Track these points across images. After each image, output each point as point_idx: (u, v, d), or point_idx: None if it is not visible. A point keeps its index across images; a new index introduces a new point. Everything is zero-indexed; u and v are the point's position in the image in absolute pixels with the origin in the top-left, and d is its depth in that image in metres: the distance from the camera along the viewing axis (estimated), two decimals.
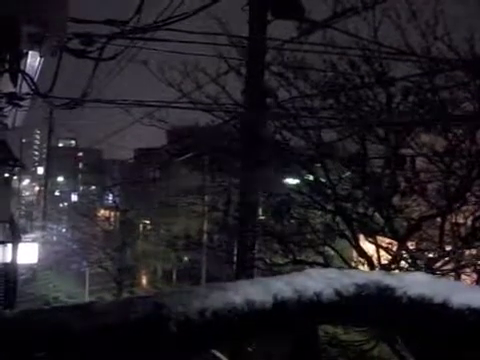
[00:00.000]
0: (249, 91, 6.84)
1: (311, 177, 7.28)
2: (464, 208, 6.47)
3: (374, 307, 0.98)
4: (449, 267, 6.08)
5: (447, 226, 6.39)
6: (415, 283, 0.97)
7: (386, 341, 6.18)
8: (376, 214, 6.69)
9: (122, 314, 0.78)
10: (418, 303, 0.91)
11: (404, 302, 0.93)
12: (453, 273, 5.93)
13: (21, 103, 5.68)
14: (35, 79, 5.31)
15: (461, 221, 6.53)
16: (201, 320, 0.80)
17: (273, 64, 6.91)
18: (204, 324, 0.81)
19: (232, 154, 7.92)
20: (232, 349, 6.98)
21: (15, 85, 4.46)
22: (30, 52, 4.67)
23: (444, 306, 0.87)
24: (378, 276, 1.04)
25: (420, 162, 6.50)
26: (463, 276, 6.08)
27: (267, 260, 7.44)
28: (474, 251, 6.57)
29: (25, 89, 5.61)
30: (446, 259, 6.11)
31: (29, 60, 4.85)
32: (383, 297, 0.97)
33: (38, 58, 4.94)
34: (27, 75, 4.65)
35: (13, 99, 5.12)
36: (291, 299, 0.90)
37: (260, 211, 7.66)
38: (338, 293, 0.96)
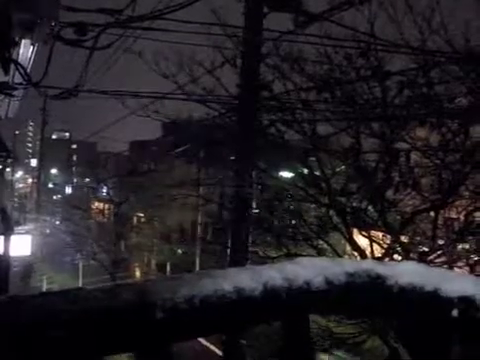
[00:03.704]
0: (244, 84, 6.81)
1: (305, 170, 7.28)
2: (457, 203, 6.49)
3: (365, 296, 0.97)
4: (442, 260, 6.11)
5: (440, 220, 6.42)
6: (406, 272, 0.96)
7: (378, 333, 6.22)
8: (370, 208, 6.70)
9: (107, 300, 0.76)
10: (409, 291, 0.90)
11: (395, 291, 0.92)
12: (446, 267, 5.96)
13: (14, 93, 5.62)
14: (28, 69, 5.25)
15: (454, 216, 6.56)
16: (189, 307, 0.79)
17: (269, 57, 6.88)
18: (192, 311, 0.79)
19: (227, 147, 7.91)
20: (225, 340, 7.00)
21: (7, 74, 4.41)
22: (23, 41, 4.61)
23: (435, 294, 0.86)
24: (369, 265, 1.03)
25: (414, 156, 6.51)
26: (456, 269, 6.12)
27: (261, 253, 7.45)
28: (467, 245, 6.61)
29: (18, 79, 5.55)
30: (439, 253, 6.14)
31: (22, 49, 4.80)
32: (374, 286, 0.96)
33: (31, 47, 4.88)
34: (19, 64, 4.59)
35: (5, 89, 5.06)
36: (281, 287, 0.89)
37: (254, 204, 7.66)
38: (329, 281, 0.95)
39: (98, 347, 0.76)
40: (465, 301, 0.83)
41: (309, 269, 0.97)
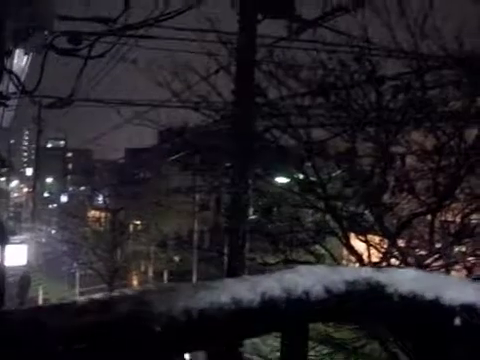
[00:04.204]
0: (239, 90, 6.82)
1: (301, 176, 7.28)
2: (453, 206, 6.51)
3: (365, 304, 0.95)
4: (439, 264, 6.11)
5: (437, 224, 6.43)
6: (406, 279, 0.95)
7: (377, 339, 6.20)
8: (366, 212, 6.70)
9: (102, 313, 0.75)
10: (409, 299, 0.89)
11: (395, 299, 0.91)
12: (443, 270, 5.96)
13: (8, 103, 5.60)
14: (22, 78, 5.24)
15: (450, 219, 6.56)
16: (186, 320, 0.77)
17: (263, 63, 6.90)
18: (189, 324, 0.78)
19: (222, 153, 7.90)
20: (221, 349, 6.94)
21: (0, 84, 4.40)
22: (17, 51, 4.60)
23: (436, 302, 0.85)
24: (368, 273, 1.02)
25: (410, 160, 6.53)
26: (453, 272, 6.12)
27: (258, 260, 7.42)
28: (463, 248, 6.61)
29: (12, 89, 5.53)
30: (436, 256, 6.14)
31: (15, 59, 4.79)
32: (374, 294, 0.94)
33: (25, 57, 4.87)
34: (13, 74, 4.58)
35: None
36: (280, 297, 0.87)
37: (251, 210, 7.64)
38: (328, 290, 0.93)
39: None
40: (467, 309, 0.82)
41: (308, 278, 0.96)
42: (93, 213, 25.70)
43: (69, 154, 50.90)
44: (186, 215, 13.37)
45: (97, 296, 0.79)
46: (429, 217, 6.41)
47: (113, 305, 0.79)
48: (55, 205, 35.55)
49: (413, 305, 0.88)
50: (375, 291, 0.95)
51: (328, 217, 6.73)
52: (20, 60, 4.93)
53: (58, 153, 48.10)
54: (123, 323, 0.75)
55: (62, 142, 56.95)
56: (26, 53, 3.65)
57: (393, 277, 0.98)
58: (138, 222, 22.20)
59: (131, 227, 22.32)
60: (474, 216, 6.47)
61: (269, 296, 0.88)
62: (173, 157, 10.89)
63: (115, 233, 19.32)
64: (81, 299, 0.80)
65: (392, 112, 6.46)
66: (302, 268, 1.04)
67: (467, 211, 6.43)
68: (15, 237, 20.91)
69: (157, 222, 18.08)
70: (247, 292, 0.86)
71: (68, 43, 4.09)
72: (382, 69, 6.55)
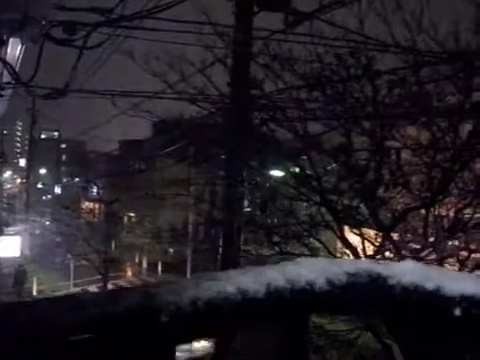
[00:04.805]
0: (235, 82, 6.81)
1: (297, 169, 7.30)
2: (447, 200, 6.56)
3: (366, 296, 0.97)
4: (433, 257, 6.17)
5: (431, 218, 6.48)
6: (407, 271, 0.97)
7: (371, 331, 6.26)
8: (361, 206, 6.74)
9: (111, 305, 0.76)
10: (411, 291, 0.91)
11: (396, 290, 0.93)
12: (436, 263, 6.02)
13: (2, 93, 5.55)
14: (17, 68, 5.19)
15: (444, 213, 6.62)
16: (193, 310, 0.78)
17: (259, 56, 6.89)
18: (196, 314, 0.79)
19: (218, 146, 7.90)
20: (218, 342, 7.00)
21: None
22: (11, 40, 4.56)
23: (437, 293, 0.87)
24: (368, 265, 1.04)
25: (405, 154, 6.56)
26: (446, 266, 6.18)
27: (253, 252, 7.46)
28: (456, 242, 6.68)
29: (6, 79, 5.48)
30: (430, 250, 6.19)
31: (10, 48, 4.74)
32: (375, 286, 0.96)
33: (19, 46, 4.83)
34: (8, 64, 4.54)
35: None
36: (284, 288, 0.89)
37: (246, 203, 7.66)
38: (330, 282, 0.95)
39: (103, 352, 0.75)
40: (467, 300, 0.84)
41: (310, 270, 0.98)
42: (87, 204, 25.64)
43: (63, 145, 50.60)
44: (181, 207, 13.38)
45: (107, 289, 0.80)
46: (423, 211, 6.47)
47: (121, 297, 0.80)
48: (49, 196, 35.39)
49: (414, 296, 0.90)
50: (376, 283, 0.97)
51: (323, 210, 6.76)
52: (14, 50, 4.89)
53: (52, 144, 47.80)
54: (131, 314, 0.76)
55: (56, 133, 56.55)
56: (22, 42, 3.62)
57: (394, 269, 1.00)
58: (132, 214, 22.18)
59: (125, 219, 22.30)
60: (467, 211, 6.53)
61: (274, 287, 0.89)
62: (168, 149, 10.87)
63: (109, 225, 19.30)
64: (89, 291, 0.81)
65: (388, 106, 6.48)
66: (303, 260, 1.06)
67: (460, 206, 6.49)
68: (9, 228, 20.84)
69: (152, 214, 18.08)
70: (252, 283, 0.88)
71: (63, 33, 4.05)
72: (378, 64, 6.56)
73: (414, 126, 6.46)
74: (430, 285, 0.90)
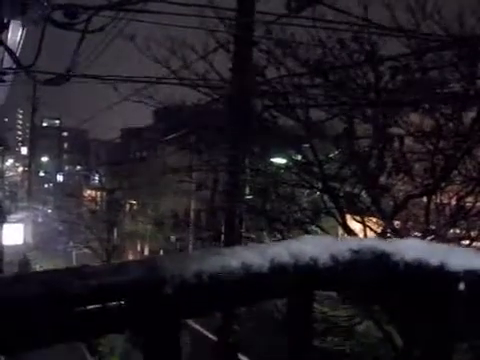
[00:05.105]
0: (237, 68, 6.77)
1: (299, 157, 7.29)
2: (449, 188, 6.55)
3: (370, 272, 0.97)
4: None
5: (432, 205, 6.48)
6: (411, 248, 0.97)
7: (372, 318, 6.31)
8: (363, 193, 6.74)
9: (115, 276, 0.76)
10: (415, 267, 0.91)
11: (400, 267, 0.93)
12: None
13: (3, 78, 5.52)
14: (17, 54, 5.15)
15: (446, 201, 6.61)
16: (197, 283, 0.79)
17: (262, 41, 6.84)
18: (201, 287, 0.79)
19: (220, 132, 7.88)
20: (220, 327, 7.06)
21: None
22: (12, 25, 4.52)
23: (441, 268, 0.87)
24: (373, 242, 1.03)
25: (408, 141, 6.54)
26: None
27: (255, 239, 7.48)
28: (458, 230, 6.68)
29: (7, 64, 5.44)
30: (431, 237, 6.20)
31: (11, 33, 4.70)
32: (379, 262, 0.96)
33: (20, 31, 4.79)
34: (9, 49, 4.51)
35: None
36: (288, 263, 0.89)
37: (247, 190, 7.67)
38: (334, 258, 0.95)
39: (106, 323, 0.76)
40: (472, 274, 0.84)
41: (314, 246, 0.97)
42: (89, 192, 25.69)
43: (64, 133, 50.56)
44: (183, 194, 13.40)
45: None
46: (425, 199, 6.46)
47: (126, 269, 0.80)
48: (51, 184, 35.47)
49: (418, 272, 0.90)
50: (380, 259, 0.97)
51: (325, 197, 6.77)
52: (15, 35, 4.85)
53: (53, 132, 47.75)
54: (135, 285, 0.76)
55: (57, 121, 56.47)
56: (23, 25, 3.59)
57: (398, 246, 1.00)
58: (134, 201, 22.23)
59: (127, 206, 22.36)
60: (469, 199, 6.52)
61: (278, 262, 0.89)
62: (170, 136, 10.85)
63: (111, 212, 19.36)
64: (94, 264, 0.81)
65: (391, 92, 6.44)
66: (308, 237, 1.06)
67: (462, 194, 6.48)
68: (11, 216, 20.91)
69: (153, 201, 18.11)
70: (257, 258, 0.88)
71: (64, 17, 4.01)
72: (381, 50, 6.51)
73: (417, 113, 6.43)
74: (434, 261, 0.90)
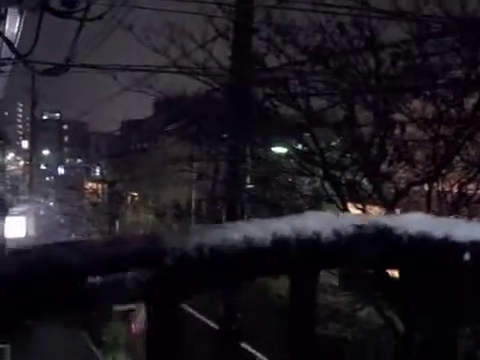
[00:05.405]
0: (237, 56, 6.73)
1: (300, 146, 7.26)
2: (450, 175, 6.53)
3: (373, 247, 0.96)
4: None
5: (434, 193, 6.46)
6: (414, 221, 0.96)
7: (374, 304, 6.32)
8: (364, 181, 6.73)
9: (115, 248, 0.75)
10: (419, 240, 0.90)
11: (404, 240, 0.92)
12: None
13: (2, 69, 5.49)
14: (16, 45, 5.11)
15: (447, 188, 6.60)
16: (198, 255, 0.78)
17: (261, 28, 6.79)
18: (201, 260, 0.78)
19: (220, 122, 7.86)
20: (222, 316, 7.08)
21: None
22: (9, 16, 4.48)
23: (445, 240, 0.86)
24: (375, 218, 1.02)
25: (409, 129, 6.50)
26: None
27: None
28: (459, 217, 6.67)
29: (4, 55, 5.41)
30: None
31: (8, 23, 4.67)
32: (381, 236, 0.95)
33: (18, 22, 4.75)
34: (6, 39, 4.48)
35: None
36: (290, 237, 0.88)
37: (248, 179, 7.65)
38: (337, 233, 0.94)
39: (106, 295, 0.75)
40: (477, 245, 0.83)
41: (317, 221, 0.96)
42: (90, 185, 25.71)
43: (65, 126, 50.49)
44: (184, 185, 13.39)
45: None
46: (426, 187, 6.44)
47: (125, 241, 0.79)
48: (52, 177, 35.51)
49: (422, 245, 0.89)
50: (383, 233, 0.96)
51: (326, 185, 6.75)
52: (12, 26, 4.81)
53: (54, 125, 47.68)
54: (135, 257, 0.75)
55: (57, 114, 56.36)
56: (21, 11, 3.56)
57: (401, 220, 0.99)
58: (135, 193, 22.25)
59: (129, 198, 22.38)
60: (471, 186, 6.50)
61: (280, 236, 0.88)
62: (170, 127, 10.83)
63: (113, 204, 19.39)
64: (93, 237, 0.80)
65: (392, 78, 6.40)
66: (310, 213, 1.05)
67: (464, 180, 6.46)
68: (13, 209, 20.95)
69: (154, 192, 18.12)
70: (259, 232, 0.87)
71: (61, 5, 3.97)
72: (382, 36, 6.46)
73: (418, 99, 6.38)
74: (438, 233, 0.89)
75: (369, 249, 0.96)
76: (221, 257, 0.81)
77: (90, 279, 0.71)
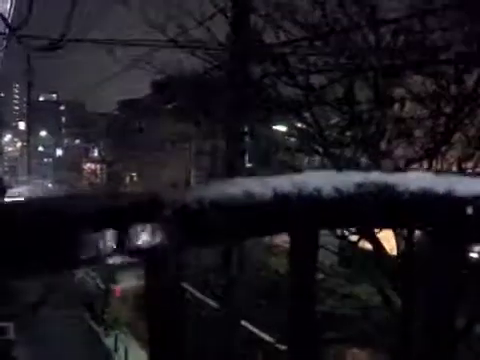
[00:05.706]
0: (235, 33, 6.63)
1: (299, 124, 7.22)
2: (449, 154, 6.51)
3: (374, 204, 0.96)
4: None
5: (434, 170, 6.45)
6: (416, 179, 0.95)
7: (370, 280, 6.37)
8: (364, 159, 6.71)
9: (115, 200, 0.75)
10: (420, 196, 0.89)
11: (405, 197, 0.91)
12: None
13: None
14: (9, 19, 5.03)
15: (446, 165, 6.58)
16: (198, 207, 0.77)
17: (260, 4, 6.68)
18: (201, 212, 0.78)
19: (219, 99, 7.79)
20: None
21: None
22: None
23: (448, 195, 0.85)
24: (376, 175, 1.01)
25: (409, 105, 6.45)
26: None
27: None
28: None
29: None
30: None
31: (1, 2, 4.59)
32: (383, 193, 0.94)
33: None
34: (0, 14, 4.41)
35: None
36: (291, 193, 0.87)
37: (247, 158, 7.63)
38: (338, 190, 0.93)
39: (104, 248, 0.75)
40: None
41: (318, 178, 0.96)
42: (89, 165, 25.67)
43: (62, 107, 50.13)
44: (183, 164, 13.38)
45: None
46: (426, 165, 6.43)
47: (125, 195, 0.78)
48: (50, 159, 35.42)
49: (425, 199, 0.88)
50: (384, 191, 0.95)
51: (326, 161, 6.74)
52: (5, 3, 4.74)
53: (51, 106, 47.33)
54: (135, 209, 0.75)
55: (54, 95, 55.86)
56: None
57: (402, 178, 0.98)
58: (134, 173, 22.23)
59: (128, 178, 22.36)
60: (470, 164, 6.49)
61: (281, 191, 0.88)
62: (168, 106, 10.75)
63: (111, 185, 19.38)
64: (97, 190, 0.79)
65: (393, 52, 6.32)
66: (311, 172, 1.04)
67: (463, 157, 6.44)
68: (13, 190, 20.98)
69: (153, 173, 18.08)
70: (259, 187, 0.86)
71: None
72: (382, 11, 6.35)
73: (419, 75, 6.32)
74: (440, 189, 0.88)
75: (370, 205, 0.95)
76: (221, 209, 0.80)
77: (89, 232, 0.71)
